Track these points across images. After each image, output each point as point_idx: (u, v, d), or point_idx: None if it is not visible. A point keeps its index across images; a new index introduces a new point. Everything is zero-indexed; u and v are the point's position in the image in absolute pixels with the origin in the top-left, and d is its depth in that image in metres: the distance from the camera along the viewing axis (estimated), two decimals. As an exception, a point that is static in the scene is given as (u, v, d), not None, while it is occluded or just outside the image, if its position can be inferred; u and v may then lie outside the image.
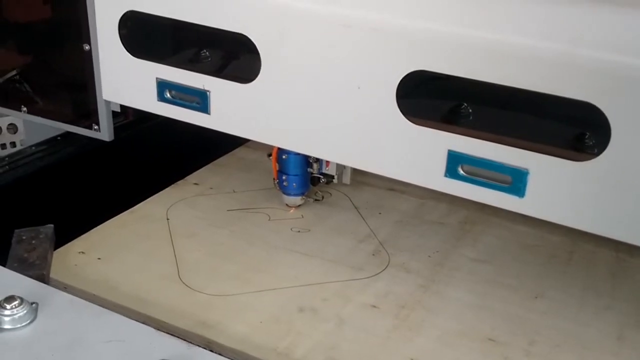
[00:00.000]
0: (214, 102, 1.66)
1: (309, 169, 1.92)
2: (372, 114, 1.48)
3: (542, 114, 1.40)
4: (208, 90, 1.65)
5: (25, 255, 1.55)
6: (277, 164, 1.91)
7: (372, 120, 1.48)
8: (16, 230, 1.63)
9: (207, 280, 1.60)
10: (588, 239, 1.81)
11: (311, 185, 1.96)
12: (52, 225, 1.65)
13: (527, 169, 1.36)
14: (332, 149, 1.59)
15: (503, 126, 1.42)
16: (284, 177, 1.90)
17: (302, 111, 1.57)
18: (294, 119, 1.59)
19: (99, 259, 1.66)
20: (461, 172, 1.43)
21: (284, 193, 1.93)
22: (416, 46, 1.38)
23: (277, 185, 1.94)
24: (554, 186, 1.35)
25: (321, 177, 1.96)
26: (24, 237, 1.60)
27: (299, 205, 1.94)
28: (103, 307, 1.34)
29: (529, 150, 1.35)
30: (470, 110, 1.44)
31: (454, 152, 1.42)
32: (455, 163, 1.42)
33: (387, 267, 1.68)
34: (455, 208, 1.95)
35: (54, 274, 1.57)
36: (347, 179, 2.05)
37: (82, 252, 1.68)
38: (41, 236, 1.62)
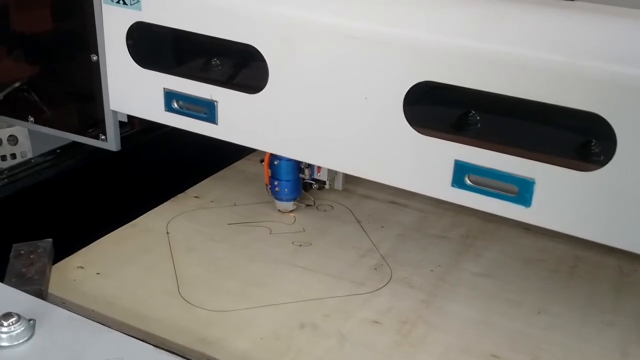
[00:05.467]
0: (221, 112, 1.67)
1: (300, 175, 1.92)
2: (379, 124, 1.49)
3: (548, 124, 1.40)
4: (216, 101, 1.66)
5: (24, 270, 1.54)
6: (269, 170, 1.92)
7: (379, 130, 1.49)
8: (14, 245, 1.62)
9: (207, 296, 1.58)
10: (591, 253, 1.80)
11: (303, 191, 1.97)
12: (50, 240, 1.64)
13: (533, 179, 1.36)
14: (340, 159, 1.59)
15: (509, 136, 1.43)
16: (275, 183, 1.91)
17: (310, 121, 1.57)
18: (301, 129, 1.59)
19: (97, 273, 1.65)
20: (468, 182, 1.43)
21: (276, 199, 1.94)
22: (423, 57, 1.39)
23: (269, 190, 1.94)
24: (560, 196, 1.35)
25: (313, 182, 1.97)
26: (22, 252, 1.59)
27: (292, 211, 1.95)
28: (101, 323, 1.33)
29: (536, 160, 1.36)
30: (477, 120, 1.43)
31: (461, 162, 1.42)
32: (462, 173, 1.43)
33: (389, 281, 1.67)
34: (458, 222, 1.93)
35: (52, 289, 1.55)
36: (339, 184, 2.06)
37: (81, 267, 1.66)
38: (39, 251, 1.61)
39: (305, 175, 1.94)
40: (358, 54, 1.45)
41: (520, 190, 1.38)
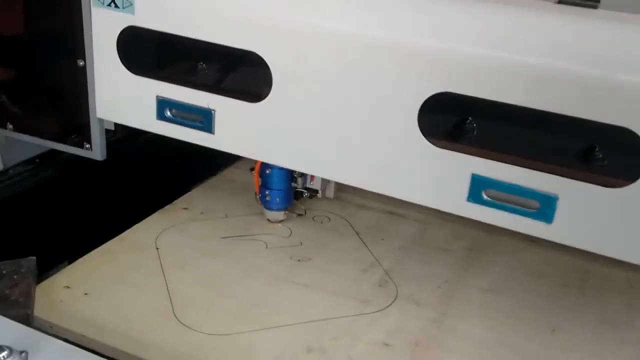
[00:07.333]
0: (219, 122, 1.57)
1: (293, 184, 1.86)
2: (392, 136, 1.41)
3: (572, 137, 1.34)
4: (213, 110, 1.56)
5: (7, 292, 1.43)
6: (259, 179, 1.84)
7: (392, 142, 1.41)
8: (-5, 264, 1.51)
9: (204, 317, 1.48)
10: (598, 265, 1.75)
11: (294, 200, 1.90)
12: (34, 258, 1.53)
13: (556, 195, 1.29)
14: (349, 172, 1.51)
15: (530, 150, 1.36)
16: (267, 192, 1.84)
17: (317, 132, 1.49)
18: (307, 140, 1.51)
19: (85, 294, 1.53)
20: (485, 197, 1.36)
21: (266, 208, 1.87)
22: (441, 67, 1.31)
23: (259, 199, 1.86)
24: (584, 212, 1.29)
25: (304, 191, 1.90)
26: (4, 272, 1.48)
27: (282, 220, 1.88)
28: (93, 349, 1.25)
29: (559, 175, 1.29)
30: (496, 133, 1.36)
31: (478, 176, 1.35)
32: (479, 187, 1.36)
33: (395, 299, 1.59)
34: (459, 233, 1.87)
35: (38, 312, 1.44)
36: (330, 193, 1.99)
37: (68, 287, 1.55)
38: (23, 270, 1.50)
39: (297, 184, 1.88)
40: (372, 64, 1.36)
41: (542, 206, 1.31)
